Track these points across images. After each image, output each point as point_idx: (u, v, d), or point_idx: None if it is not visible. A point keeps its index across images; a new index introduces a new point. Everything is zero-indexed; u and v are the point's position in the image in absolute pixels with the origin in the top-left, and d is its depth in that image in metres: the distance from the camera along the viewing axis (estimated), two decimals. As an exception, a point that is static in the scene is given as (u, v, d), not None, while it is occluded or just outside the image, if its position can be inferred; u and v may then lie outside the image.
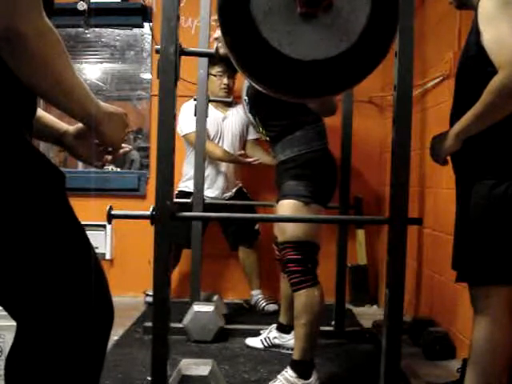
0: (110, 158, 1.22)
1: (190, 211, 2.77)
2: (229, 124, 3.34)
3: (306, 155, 2.11)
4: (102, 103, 1.04)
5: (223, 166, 3.31)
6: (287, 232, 2.06)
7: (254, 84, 1.67)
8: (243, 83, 2.47)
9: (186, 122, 3.12)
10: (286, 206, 2.07)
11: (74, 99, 0.95)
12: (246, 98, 2.34)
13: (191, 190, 2.99)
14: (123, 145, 1.17)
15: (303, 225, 2.02)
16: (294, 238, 2.04)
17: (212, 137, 3.25)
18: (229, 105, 3.37)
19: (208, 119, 2.94)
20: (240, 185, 3.43)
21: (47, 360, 0.98)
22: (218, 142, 3.31)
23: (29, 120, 1.02)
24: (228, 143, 3.32)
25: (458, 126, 1.59)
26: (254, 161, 3.22)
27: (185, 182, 3.31)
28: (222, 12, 1.39)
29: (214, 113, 3.25)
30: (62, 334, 0.99)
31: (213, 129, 3.25)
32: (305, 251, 2.04)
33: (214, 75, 3.22)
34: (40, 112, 1.14)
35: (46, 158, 1.01)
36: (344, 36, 1.38)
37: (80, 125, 1.16)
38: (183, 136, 3.20)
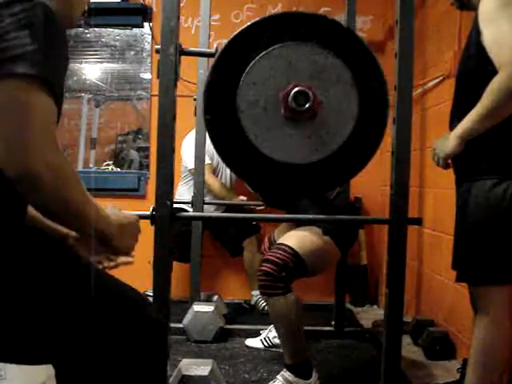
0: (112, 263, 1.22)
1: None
2: None
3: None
4: (113, 217, 1.04)
5: (225, 174, 3.36)
6: (293, 239, 2.03)
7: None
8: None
9: (191, 156, 3.11)
10: (308, 227, 2.07)
11: (83, 221, 0.95)
12: None
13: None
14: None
15: (312, 247, 2.01)
16: (293, 246, 2.00)
17: (214, 167, 3.30)
18: None
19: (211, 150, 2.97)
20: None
21: None
22: (219, 171, 3.36)
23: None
24: (227, 174, 3.37)
25: (459, 128, 1.58)
26: (246, 204, 3.27)
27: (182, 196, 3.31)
28: (207, 89, 1.38)
29: None
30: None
31: (216, 159, 3.27)
32: (289, 260, 1.96)
33: None
34: (40, 216, 1.13)
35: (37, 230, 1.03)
36: (320, 147, 1.39)
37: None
38: (189, 170, 3.23)
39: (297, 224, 2.18)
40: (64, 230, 1.20)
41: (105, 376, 1.01)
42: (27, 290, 0.94)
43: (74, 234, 1.19)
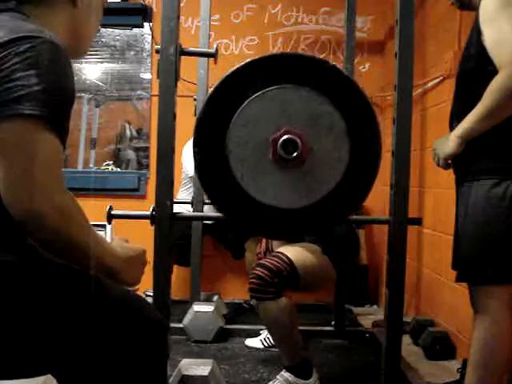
0: None
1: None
2: None
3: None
4: (120, 249, 1.04)
5: None
6: (293, 251, 2.01)
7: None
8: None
9: (192, 163, 3.09)
10: (309, 246, 2.06)
11: (89, 257, 0.95)
12: None
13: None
14: None
15: (309, 263, 2.00)
16: (291, 257, 1.97)
17: None
18: None
19: None
20: None
21: None
22: None
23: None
24: None
25: (460, 128, 1.58)
26: None
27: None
28: (198, 124, 1.38)
29: None
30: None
31: None
32: (284, 269, 1.94)
33: None
34: None
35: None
36: (307, 193, 1.38)
37: None
38: (190, 177, 3.21)
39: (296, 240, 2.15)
40: None
41: (105, 378, 1.01)
42: (26, 297, 0.94)
43: None
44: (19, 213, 0.85)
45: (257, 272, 1.95)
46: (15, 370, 0.97)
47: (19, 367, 0.97)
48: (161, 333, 1.10)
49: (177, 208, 3.19)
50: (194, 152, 1.39)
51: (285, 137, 1.32)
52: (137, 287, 1.17)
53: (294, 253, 2.00)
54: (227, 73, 1.41)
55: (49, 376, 1.02)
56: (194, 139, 1.38)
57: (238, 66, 1.39)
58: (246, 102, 1.35)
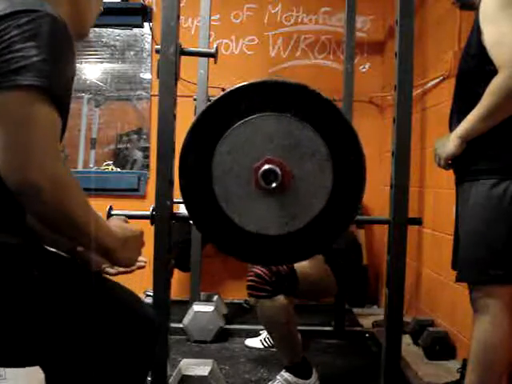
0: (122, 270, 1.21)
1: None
2: None
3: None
4: (117, 229, 1.03)
5: None
6: None
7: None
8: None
9: None
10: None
11: (86, 234, 0.95)
12: None
13: None
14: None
15: (309, 271, 2.00)
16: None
17: None
18: None
19: None
20: None
21: None
22: None
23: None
24: None
25: (460, 128, 1.58)
26: None
27: None
28: (183, 155, 1.39)
29: None
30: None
31: None
32: (284, 272, 1.95)
33: None
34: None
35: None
36: (290, 220, 1.38)
37: None
38: None
39: None
40: None
41: (92, 370, 1.01)
42: (23, 290, 0.94)
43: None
44: (15, 183, 0.85)
45: (256, 270, 1.96)
46: (7, 356, 0.98)
47: (12, 354, 0.98)
48: (151, 329, 1.09)
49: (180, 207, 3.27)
50: (181, 185, 1.40)
51: (265, 167, 1.34)
52: (134, 267, 1.15)
53: (302, 265, 1.98)
54: (209, 103, 1.45)
55: (37, 368, 1.02)
56: (180, 169, 1.39)
57: (218, 96, 1.41)
58: (229, 130, 1.37)
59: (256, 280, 1.95)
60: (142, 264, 1.23)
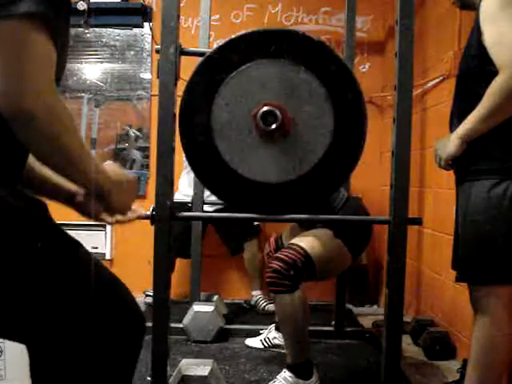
0: (121, 219, 1.21)
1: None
2: None
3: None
4: (112, 170, 1.03)
5: None
6: (305, 241, 2.03)
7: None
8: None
9: None
10: (322, 230, 2.07)
11: (81, 171, 0.95)
12: None
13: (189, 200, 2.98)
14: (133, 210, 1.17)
15: (323, 251, 2.00)
16: (305, 247, 1.99)
17: None
18: None
19: None
20: None
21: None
22: None
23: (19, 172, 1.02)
24: None
25: (460, 129, 1.58)
26: None
27: (183, 191, 3.30)
28: (182, 114, 1.38)
29: None
30: (89, 352, 1.00)
31: None
32: (300, 261, 1.96)
33: None
34: (48, 173, 1.14)
35: (26, 197, 1.01)
36: (296, 165, 1.38)
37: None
38: None
39: (307, 227, 2.17)
40: (73, 187, 1.19)
41: (77, 356, 1.00)
42: (12, 264, 0.93)
43: (82, 191, 1.17)
44: (10, 110, 0.85)
45: (273, 265, 1.98)
46: None
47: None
48: (140, 324, 1.09)
49: (178, 196, 3.27)
50: (183, 144, 1.39)
51: (263, 109, 1.33)
52: (131, 216, 1.15)
53: (307, 243, 2.01)
54: (199, 61, 1.44)
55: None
56: (180, 130, 1.39)
57: (209, 52, 1.42)
58: (225, 83, 1.36)
59: (274, 276, 1.97)
60: (141, 213, 1.23)
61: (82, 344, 0.99)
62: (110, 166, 1.06)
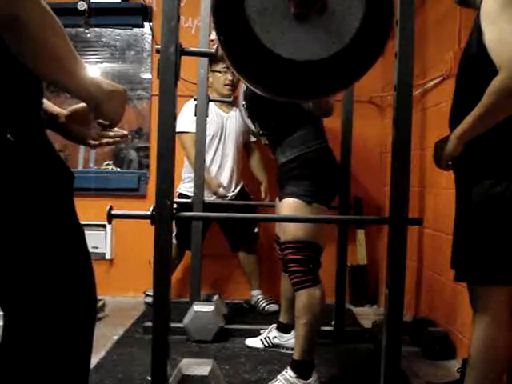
0: (105, 140, 1.26)
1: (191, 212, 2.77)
2: (232, 123, 3.35)
3: (306, 155, 2.11)
4: (103, 81, 1.05)
5: (228, 164, 3.32)
6: (288, 232, 2.06)
7: (246, 83, 1.65)
8: (241, 88, 2.47)
9: (183, 120, 3.12)
10: (287, 205, 2.07)
11: (75, 79, 0.96)
12: (244, 102, 2.34)
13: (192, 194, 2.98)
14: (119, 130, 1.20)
15: (304, 225, 2.01)
16: (295, 239, 2.03)
17: (212, 135, 3.25)
18: (232, 104, 3.37)
19: (212, 118, 3.04)
20: (242, 183, 3.42)
21: (37, 355, 1.02)
22: (220, 140, 3.32)
23: (37, 110, 1.04)
24: (232, 142, 3.33)
25: (459, 129, 1.58)
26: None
27: (186, 184, 3.31)
28: (216, 11, 1.39)
29: (217, 111, 3.29)
30: (50, 329, 1.03)
31: (216, 127, 3.26)
32: (306, 251, 2.03)
33: (219, 71, 3.23)
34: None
35: (57, 156, 1.05)
36: (336, 38, 1.38)
37: (74, 106, 1.21)
38: (177, 133, 3.21)
39: (279, 198, 2.20)
40: (57, 109, 1.24)
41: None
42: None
43: (66, 112, 1.22)
44: (2, 18, 0.85)
45: (291, 269, 2.05)
46: None
47: None
48: (91, 307, 1.12)
49: (183, 189, 3.27)
50: (221, 41, 1.40)
51: None
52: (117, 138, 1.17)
53: (297, 231, 2.02)
54: None
55: None
56: (216, 26, 1.40)
57: None
58: None
59: (297, 276, 2.04)
60: (125, 132, 1.30)
61: (53, 311, 1.03)
62: (99, 78, 1.06)
